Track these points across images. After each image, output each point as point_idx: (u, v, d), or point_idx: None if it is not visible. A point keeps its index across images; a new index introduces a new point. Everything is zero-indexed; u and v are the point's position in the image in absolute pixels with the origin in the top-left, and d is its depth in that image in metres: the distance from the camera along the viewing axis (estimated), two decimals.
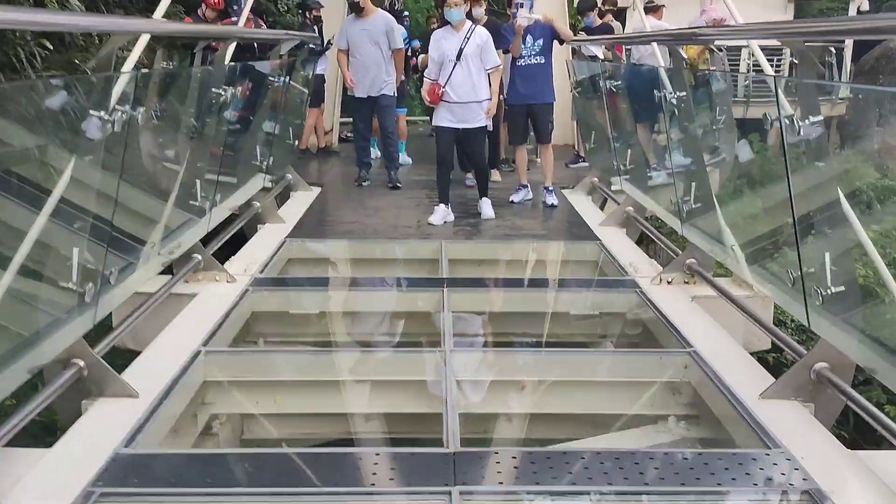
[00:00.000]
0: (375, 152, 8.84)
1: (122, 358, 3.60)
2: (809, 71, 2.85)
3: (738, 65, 15.62)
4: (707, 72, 6.78)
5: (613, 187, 7.03)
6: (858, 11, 16.83)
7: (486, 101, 6.19)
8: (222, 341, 3.90)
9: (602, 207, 7.45)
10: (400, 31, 7.77)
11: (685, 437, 3.46)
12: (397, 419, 3.56)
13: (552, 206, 6.79)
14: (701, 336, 3.79)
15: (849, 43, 17.24)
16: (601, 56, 7.61)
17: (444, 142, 6.29)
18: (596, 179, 7.42)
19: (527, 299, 4.60)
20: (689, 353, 3.59)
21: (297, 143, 7.66)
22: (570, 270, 5.46)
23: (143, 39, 4.65)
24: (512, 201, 6.88)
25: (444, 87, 6.04)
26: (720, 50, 11.05)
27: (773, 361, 5.45)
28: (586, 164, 8.59)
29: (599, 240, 5.62)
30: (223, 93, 4.63)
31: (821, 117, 2.73)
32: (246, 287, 4.53)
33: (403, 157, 8.84)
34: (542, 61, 6.67)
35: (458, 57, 5.99)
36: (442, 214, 6.17)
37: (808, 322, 3.06)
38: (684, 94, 4.66)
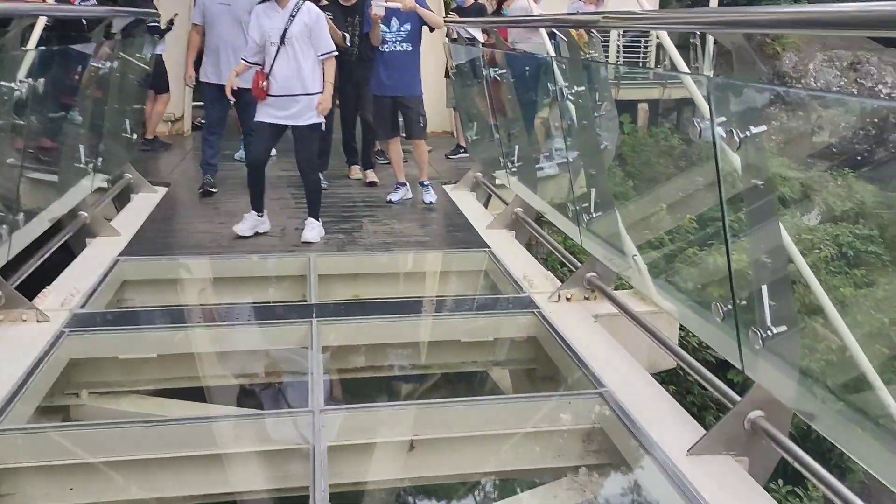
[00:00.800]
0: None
1: None
2: (748, 67, 2.37)
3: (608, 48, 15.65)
4: (594, 59, 6.37)
5: (498, 181, 6.53)
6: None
7: (317, 95, 5.05)
8: (26, 405, 3.03)
9: (486, 204, 6.94)
10: None
11: (599, 495, 2.97)
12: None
13: (430, 203, 6.18)
14: (611, 370, 3.30)
15: None
16: (481, 39, 7.03)
17: (259, 140, 5.22)
18: (479, 174, 6.88)
19: (410, 327, 3.96)
20: (600, 395, 3.09)
21: (134, 136, 6.59)
22: (459, 286, 4.88)
23: None
24: (390, 201, 6.21)
25: (267, 77, 4.95)
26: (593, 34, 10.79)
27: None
28: (467, 154, 8.04)
29: (489, 247, 5.06)
30: (20, 84, 3.67)
31: (763, 127, 2.24)
32: (62, 327, 3.63)
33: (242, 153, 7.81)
34: (409, 49, 5.93)
35: (282, 40, 4.91)
36: (251, 223, 5.21)
37: (742, 365, 2.61)
38: (583, 87, 4.15)
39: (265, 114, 5.04)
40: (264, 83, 4.94)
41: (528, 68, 5.90)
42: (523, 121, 5.48)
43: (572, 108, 4.43)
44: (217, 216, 5.82)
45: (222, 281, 4.70)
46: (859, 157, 19.12)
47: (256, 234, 5.26)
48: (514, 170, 5.53)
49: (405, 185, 6.32)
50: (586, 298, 4.14)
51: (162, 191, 6.57)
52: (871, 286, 10.52)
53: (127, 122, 6.45)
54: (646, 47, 16.81)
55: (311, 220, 5.24)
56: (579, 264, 4.79)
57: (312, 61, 5.01)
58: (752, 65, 2.41)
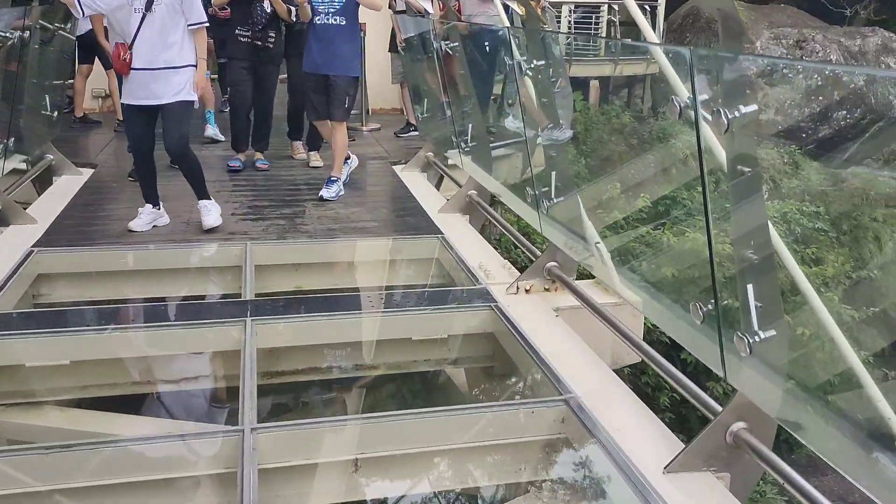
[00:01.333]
0: (214, 130, 7.33)
1: None
2: (733, 38, 2.06)
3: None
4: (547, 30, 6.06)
5: (451, 161, 6.20)
6: None
7: (188, 68, 4.45)
8: None
9: (439, 186, 6.60)
10: None
11: None
12: None
13: (321, 199, 5.38)
14: (576, 373, 3.02)
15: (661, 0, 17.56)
16: (431, 10, 6.64)
17: (133, 126, 4.61)
18: (431, 154, 6.52)
19: (356, 325, 3.62)
20: (565, 402, 2.81)
21: (55, 113, 6.04)
22: (410, 276, 4.54)
23: None
24: (321, 197, 5.42)
25: (129, 48, 4.32)
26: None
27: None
28: (417, 133, 7.67)
29: (441, 233, 4.73)
30: None
31: (754, 107, 1.94)
32: None
33: (212, 130, 7.36)
34: (343, 23, 5.29)
35: (148, 5, 4.28)
36: (148, 218, 4.68)
37: (725, 373, 2.35)
38: (542, 62, 3.84)
39: (130, 95, 4.46)
40: (126, 55, 4.34)
41: (484, 42, 5.57)
42: (477, 97, 5.15)
43: (530, 83, 4.13)
44: None
45: (149, 274, 4.27)
46: (804, 135, 19.37)
47: (184, 222, 4.84)
48: (467, 150, 5.19)
49: (337, 180, 5.54)
50: (546, 290, 3.85)
51: (87, 173, 6.07)
52: (819, 264, 10.56)
53: (47, 97, 5.90)
54: (597, 23, 16.61)
55: (202, 202, 4.69)
56: (533, 247, 4.52)
57: (183, 32, 4.41)
58: (740, 35, 2.10)
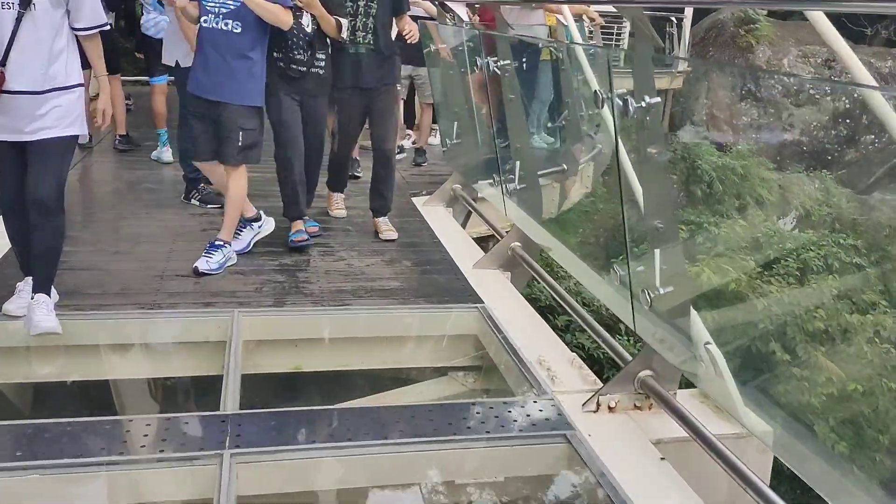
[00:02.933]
0: (162, 152, 6.27)
1: None
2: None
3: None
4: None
5: (480, 194, 5.21)
6: None
7: (75, 90, 3.15)
8: None
9: (465, 223, 5.60)
10: None
11: None
12: None
13: (197, 272, 3.86)
14: None
15: (688, 13, 16.84)
16: (466, 19, 5.63)
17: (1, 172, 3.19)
18: (458, 186, 5.51)
19: (372, 464, 2.57)
20: None
21: None
22: (442, 368, 3.51)
23: None
24: (195, 270, 3.86)
25: (2, 62, 2.98)
26: None
27: None
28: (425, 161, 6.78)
29: (482, 302, 3.70)
30: None
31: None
32: None
33: (160, 152, 6.23)
34: (238, 30, 3.83)
35: (25, 2, 2.96)
36: (25, 302, 3.21)
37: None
38: (627, 90, 2.82)
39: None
40: None
41: (540, 59, 4.58)
42: (533, 128, 4.13)
43: (609, 117, 3.11)
44: (114, 240, 4.35)
45: (97, 357, 3.24)
46: (829, 157, 18.42)
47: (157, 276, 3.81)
48: (512, 189, 4.16)
49: (223, 245, 4.01)
50: (637, 408, 2.82)
51: None
52: (873, 308, 9.57)
53: None
54: (619, 34, 15.81)
55: (38, 296, 3.13)
56: (593, 321, 3.46)
57: (68, 37, 3.13)
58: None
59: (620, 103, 2.46)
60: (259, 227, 4.35)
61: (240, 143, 3.93)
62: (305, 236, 4.34)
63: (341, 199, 5.12)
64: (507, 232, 5.37)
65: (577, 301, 3.74)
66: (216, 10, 3.82)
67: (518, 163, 4.08)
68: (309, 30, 4.18)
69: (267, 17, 3.85)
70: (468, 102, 5.16)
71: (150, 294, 3.61)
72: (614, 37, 15.83)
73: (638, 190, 2.63)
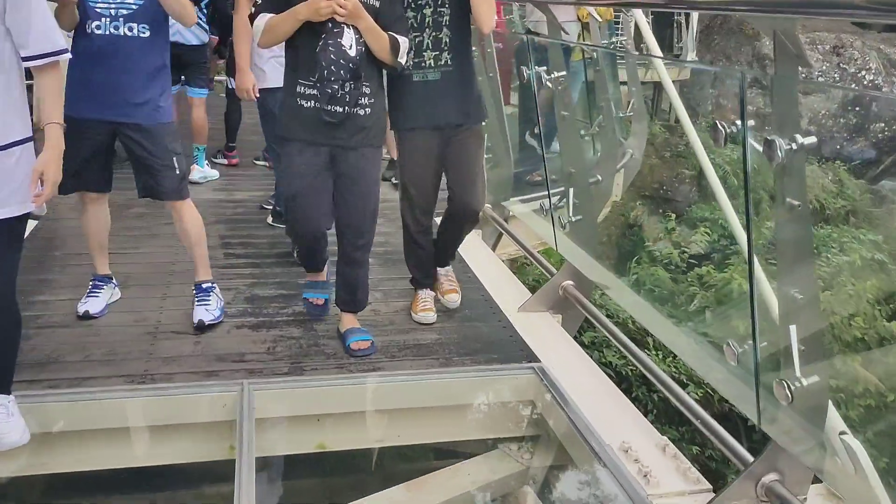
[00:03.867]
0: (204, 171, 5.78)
1: None
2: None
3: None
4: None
5: (511, 213, 4.62)
6: None
7: (20, 147, 2.30)
8: None
9: (494, 247, 5.00)
10: None
11: None
12: None
13: (202, 326, 3.25)
14: None
15: None
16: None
17: None
18: (488, 206, 4.90)
19: None
20: None
21: None
22: (497, 458, 2.90)
23: None
24: (199, 324, 3.27)
25: None
26: None
27: None
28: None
29: (538, 360, 3.10)
30: None
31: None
32: None
33: (203, 171, 5.74)
34: (146, 34, 3.02)
35: None
36: None
37: None
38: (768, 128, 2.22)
39: None
40: None
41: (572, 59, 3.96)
42: (589, 148, 3.52)
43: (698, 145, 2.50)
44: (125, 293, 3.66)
45: (71, 443, 2.62)
46: (838, 146, 17.88)
47: (149, 333, 3.19)
48: (566, 221, 3.54)
49: (213, 283, 3.42)
50: None
51: (30, 225, 4.40)
52: None
53: None
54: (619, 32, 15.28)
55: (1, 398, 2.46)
56: (694, 404, 2.86)
57: (16, 74, 2.29)
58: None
59: (758, 146, 1.83)
60: (115, 286, 3.50)
61: (177, 172, 3.17)
62: (320, 296, 3.43)
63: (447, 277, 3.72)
64: (539, 252, 4.80)
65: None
66: (111, 10, 2.95)
67: (571, 190, 3.47)
68: (353, 52, 2.81)
69: (175, 8, 3.00)
70: (499, 114, 4.54)
71: (141, 360, 2.99)
72: (620, 29, 15.24)
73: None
